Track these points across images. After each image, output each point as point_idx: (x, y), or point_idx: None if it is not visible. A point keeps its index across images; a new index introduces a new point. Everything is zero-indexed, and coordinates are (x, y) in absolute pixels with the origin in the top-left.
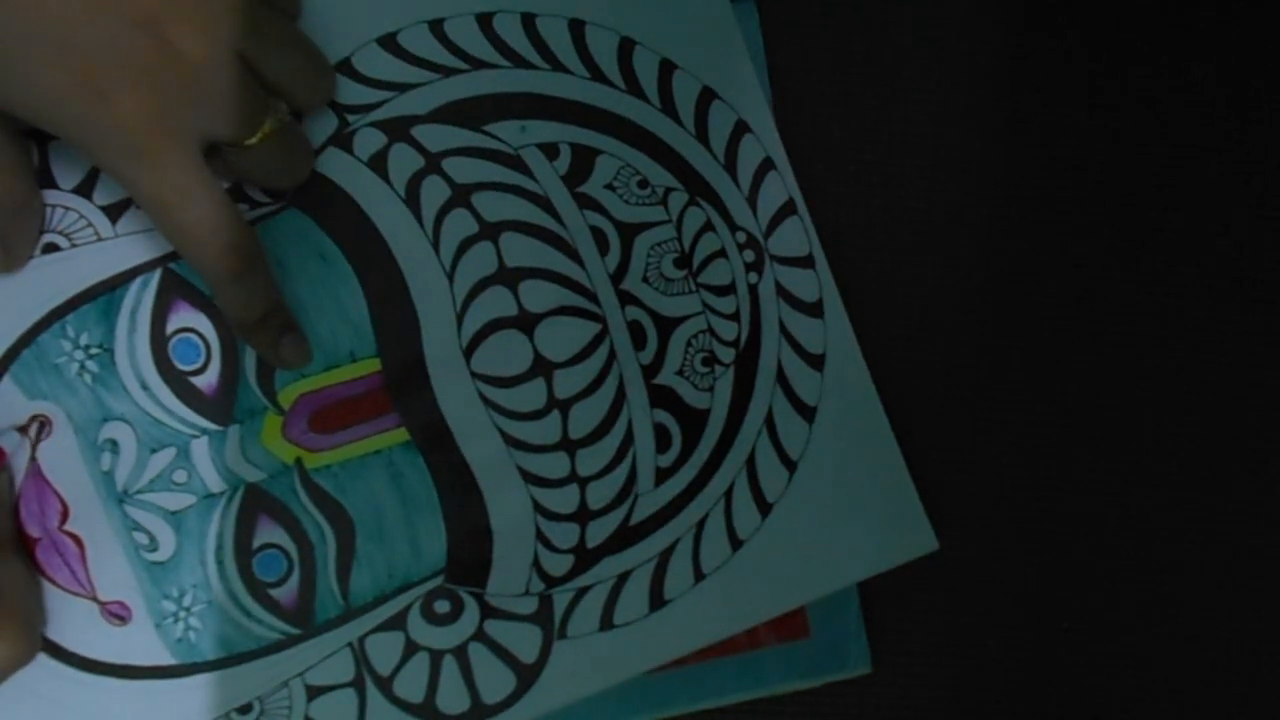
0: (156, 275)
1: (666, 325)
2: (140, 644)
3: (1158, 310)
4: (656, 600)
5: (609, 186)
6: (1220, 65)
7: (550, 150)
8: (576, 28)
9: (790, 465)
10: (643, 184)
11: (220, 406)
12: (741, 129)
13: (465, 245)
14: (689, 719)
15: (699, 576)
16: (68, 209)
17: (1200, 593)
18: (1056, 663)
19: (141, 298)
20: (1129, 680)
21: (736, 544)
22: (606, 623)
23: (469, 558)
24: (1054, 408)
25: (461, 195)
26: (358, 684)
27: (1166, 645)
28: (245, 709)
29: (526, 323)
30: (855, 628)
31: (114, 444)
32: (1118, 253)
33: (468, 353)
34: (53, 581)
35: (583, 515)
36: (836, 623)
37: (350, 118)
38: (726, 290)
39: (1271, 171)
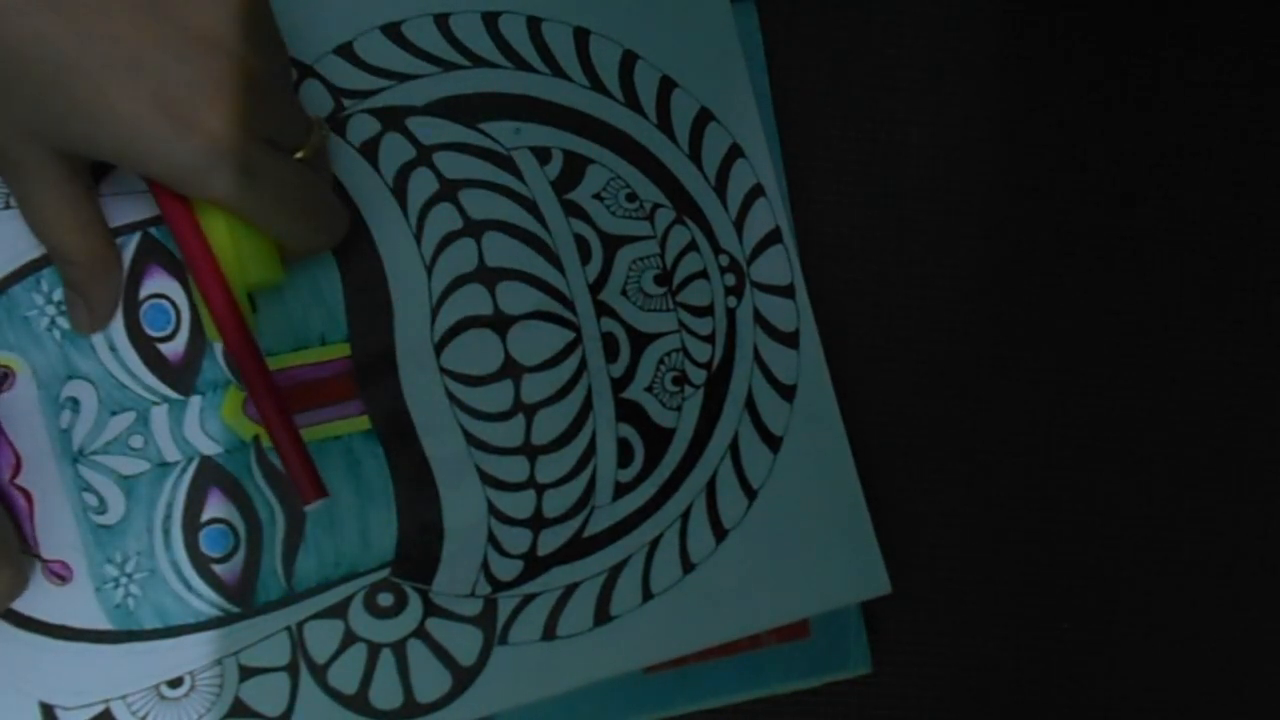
0: (135, 238)
1: (641, 340)
2: (78, 606)
3: (1156, 311)
4: (602, 615)
5: (597, 196)
6: (1221, 65)
7: (542, 154)
8: (581, 36)
9: (750, 493)
10: (631, 197)
11: (184, 376)
12: (735, 153)
13: (447, 240)
14: (689, 719)
15: (647, 595)
16: None
17: (1200, 593)
18: (1056, 663)
19: None
20: (1129, 680)
21: (688, 567)
22: (549, 633)
23: (418, 553)
24: (1052, 408)
25: (449, 190)
26: (292, 669)
27: (1167, 645)
28: (176, 682)
29: (500, 323)
30: (855, 628)
31: (75, 402)
32: (1116, 255)
33: (438, 348)
34: None
35: (537, 522)
36: (836, 623)
37: (346, 102)
38: (704, 311)
39: (1273, 172)
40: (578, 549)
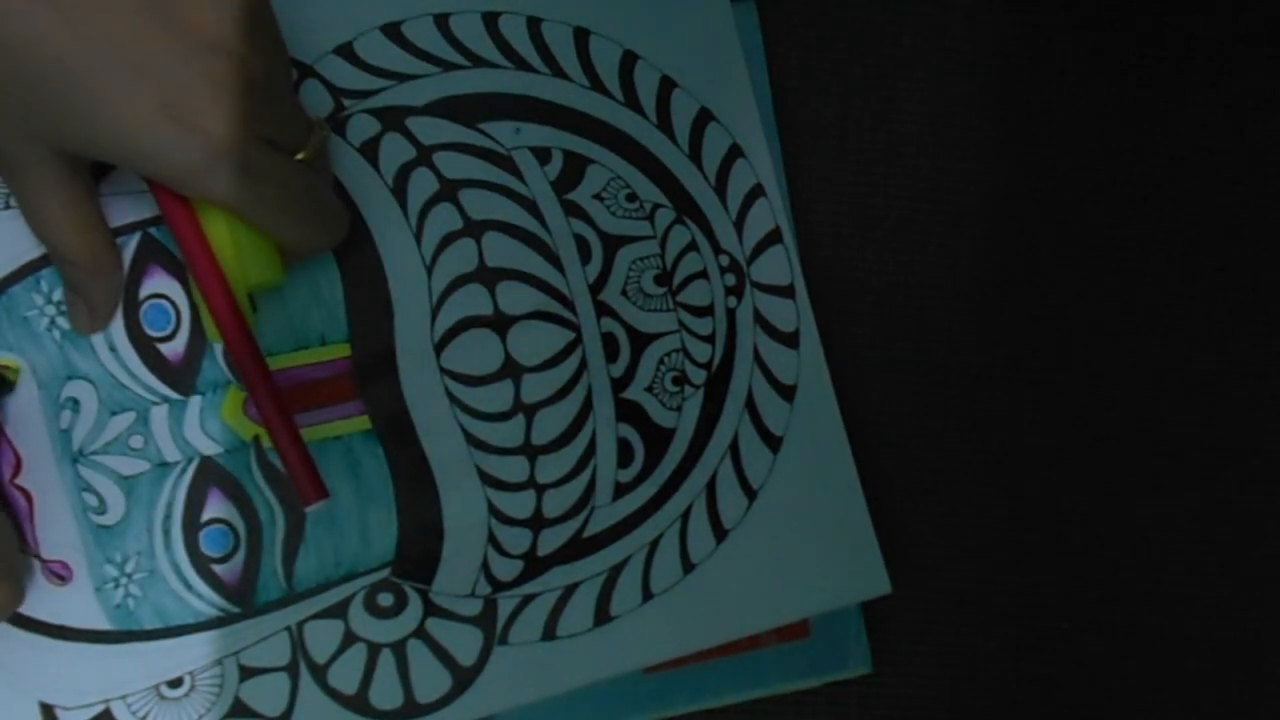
0: (135, 238)
1: (641, 340)
2: (78, 606)
3: (1156, 311)
4: (602, 615)
5: (597, 196)
6: (1221, 66)
7: (542, 154)
8: (581, 36)
9: (750, 493)
10: (631, 197)
11: (184, 376)
12: (735, 153)
13: (447, 240)
14: (689, 719)
15: (647, 596)
16: None
17: (1200, 592)
18: (1056, 663)
19: None
20: (1129, 680)
21: (688, 567)
22: (549, 633)
23: (418, 553)
24: (1052, 408)
25: (449, 190)
26: (292, 669)
27: (1166, 645)
28: (176, 683)
29: (500, 323)
30: (855, 628)
31: (75, 402)
32: (1116, 255)
33: (439, 348)
34: None
35: (537, 522)
36: (836, 623)
37: (346, 102)
38: (704, 311)
39: (1273, 173)
40: (578, 549)
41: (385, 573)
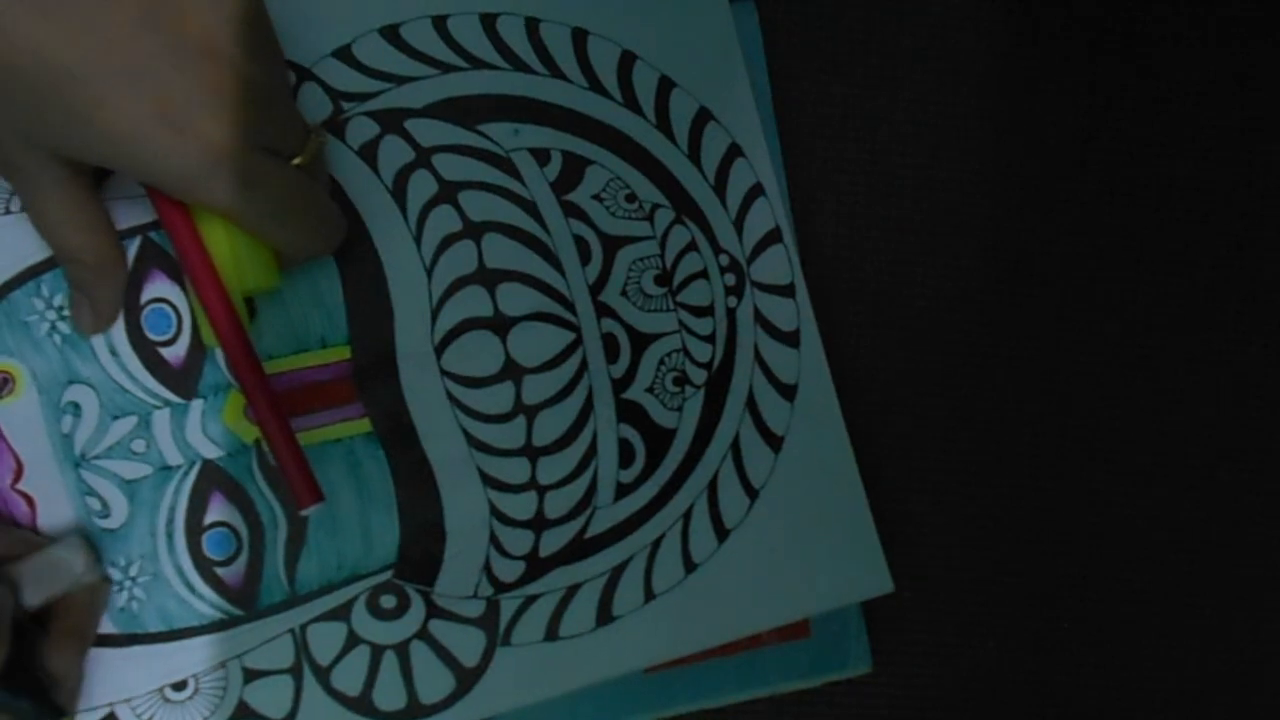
0: (135, 243)
1: (641, 341)
2: None
3: (1157, 311)
4: (604, 616)
5: (597, 197)
6: (1222, 65)
7: (541, 156)
8: (579, 37)
9: (752, 493)
10: (630, 198)
11: (186, 379)
12: (735, 152)
13: (447, 242)
14: (689, 719)
15: (649, 596)
16: None
17: (1200, 592)
18: (1056, 663)
19: None
20: (1129, 680)
21: (690, 567)
22: (552, 633)
23: (420, 555)
24: (1053, 408)
25: (448, 192)
26: (295, 671)
27: (1166, 645)
28: (180, 685)
29: (501, 325)
30: (855, 628)
31: (76, 407)
32: (1116, 255)
33: (439, 350)
34: None
35: (539, 523)
36: (836, 622)
37: (345, 105)
38: (704, 311)
39: (1273, 173)
40: (579, 550)
41: (387, 575)
